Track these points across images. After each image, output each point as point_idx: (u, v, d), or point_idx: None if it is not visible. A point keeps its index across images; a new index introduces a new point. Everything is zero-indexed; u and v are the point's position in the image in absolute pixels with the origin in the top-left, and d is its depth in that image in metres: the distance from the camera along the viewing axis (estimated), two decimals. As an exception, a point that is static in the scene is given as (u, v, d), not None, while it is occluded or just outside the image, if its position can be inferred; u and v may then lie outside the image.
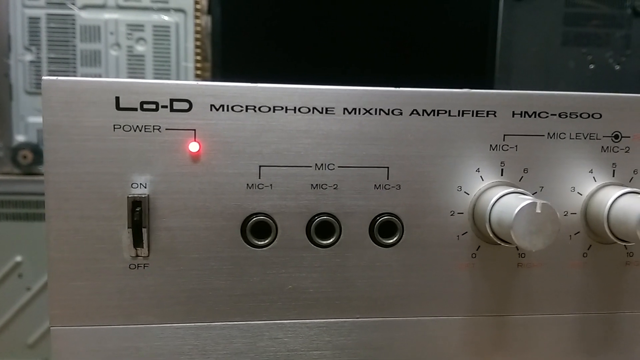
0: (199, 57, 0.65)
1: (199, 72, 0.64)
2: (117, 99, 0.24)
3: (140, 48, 0.63)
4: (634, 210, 0.25)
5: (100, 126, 0.24)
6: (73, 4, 0.61)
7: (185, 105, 0.25)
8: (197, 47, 0.65)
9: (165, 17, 0.63)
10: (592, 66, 0.64)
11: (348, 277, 0.27)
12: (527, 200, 0.24)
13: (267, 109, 0.25)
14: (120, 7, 0.62)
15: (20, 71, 0.62)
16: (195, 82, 0.25)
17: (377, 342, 0.28)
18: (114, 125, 0.24)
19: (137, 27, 0.63)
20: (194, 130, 0.25)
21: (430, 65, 0.60)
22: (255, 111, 0.25)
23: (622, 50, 0.64)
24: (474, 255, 0.27)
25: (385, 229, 0.27)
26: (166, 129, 0.25)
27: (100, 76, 0.62)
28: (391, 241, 0.27)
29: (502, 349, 0.28)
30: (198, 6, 0.64)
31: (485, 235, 0.27)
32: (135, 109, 0.24)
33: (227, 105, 0.25)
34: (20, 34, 0.62)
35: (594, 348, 0.29)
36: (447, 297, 0.28)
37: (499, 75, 0.63)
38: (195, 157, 0.25)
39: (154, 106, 0.24)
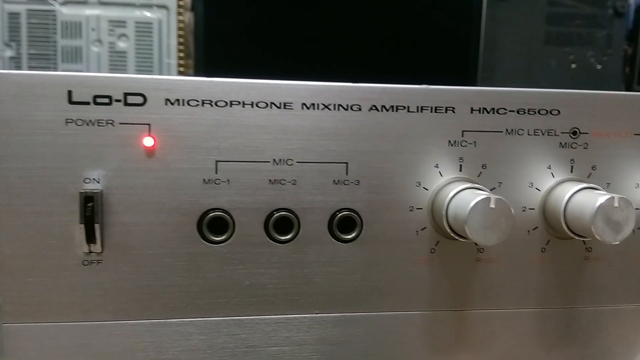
0: (182, 54, 0.65)
1: (182, 68, 0.63)
2: (70, 92, 0.24)
3: (122, 44, 0.63)
4: (589, 206, 0.25)
5: (52, 120, 0.24)
6: (54, 0, 0.61)
7: (140, 100, 0.24)
8: (180, 43, 0.65)
9: (148, 14, 0.62)
10: (574, 65, 0.65)
11: (307, 273, 0.27)
12: (481, 195, 0.24)
13: (224, 103, 0.25)
14: (101, 3, 0.62)
15: (0, 67, 0.61)
16: (149, 76, 0.24)
17: (336, 337, 0.28)
18: (66, 119, 0.24)
19: (119, 23, 0.62)
20: (149, 124, 0.25)
21: (413, 65, 0.60)
22: (211, 106, 0.25)
23: (603, 50, 0.64)
24: (433, 251, 0.28)
25: (344, 224, 0.27)
26: (120, 124, 0.24)
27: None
28: (350, 237, 0.27)
29: (462, 344, 0.29)
30: (181, 2, 0.64)
31: (444, 231, 0.27)
32: (88, 103, 0.24)
33: (183, 100, 0.25)
34: (0, 30, 0.61)
35: (553, 342, 0.29)
36: (406, 292, 0.28)
37: (482, 74, 0.64)
38: (150, 152, 0.25)
39: (107, 100, 0.24)
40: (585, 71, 0.65)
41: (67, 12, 0.62)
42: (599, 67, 0.65)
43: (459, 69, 0.62)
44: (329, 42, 0.60)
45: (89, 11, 0.62)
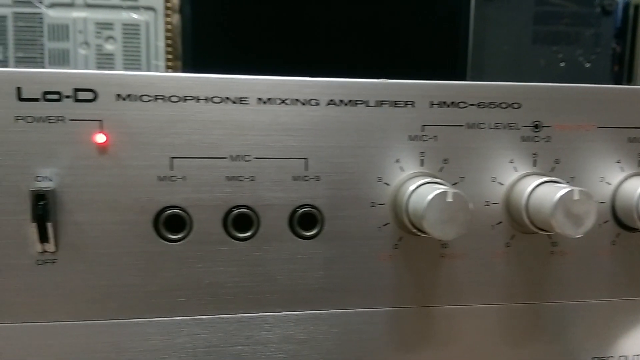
0: (170, 56, 0.64)
1: (170, 70, 0.63)
2: (19, 89, 0.23)
3: (109, 47, 0.63)
4: (549, 199, 0.25)
5: (2, 117, 0.23)
6: (40, 2, 0.60)
7: (90, 95, 0.24)
8: (168, 45, 0.65)
9: (135, 16, 0.62)
10: (562, 64, 0.65)
11: (268, 270, 0.26)
12: (438, 189, 0.24)
13: (177, 98, 0.25)
14: (88, 6, 0.61)
15: (-14, 71, 0.61)
16: (100, 72, 0.24)
17: (299, 335, 0.27)
18: (16, 116, 0.24)
19: (106, 25, 0.62)
20: (100, 121, 0.24)
21: (402, 65, 0.60)
22: (164, 101, 0.25)
23: (592, 49, 0.64)
24: (396, 247, 0.27)
25: (305, 221, 0.26)
26: (70, 120, 0.24)
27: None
28: (311, 233, 0.26)
29: (427, 341, 0.28)
30: (168, 4, 0.64)
31: (406, 226, 0.26)
32: (38, 100, 0.24)
33: (135, 95, 0.24)
34: (-13, 34, 0.60)
35: (519, 339, 0.29)
36: (369, 289, 0.27)
37: (471, 74, 0.64)
38: (102, 149, 0.24)
39: (57, 96, 0.24)
40: (574, 70, 0.65)
41: (53, 14, 0.61)
42: (587, 65, 0.65)
43: (448, 69, 0.61)
44: (318, 42, 0.59)
45: (75, 14, 0.62)
